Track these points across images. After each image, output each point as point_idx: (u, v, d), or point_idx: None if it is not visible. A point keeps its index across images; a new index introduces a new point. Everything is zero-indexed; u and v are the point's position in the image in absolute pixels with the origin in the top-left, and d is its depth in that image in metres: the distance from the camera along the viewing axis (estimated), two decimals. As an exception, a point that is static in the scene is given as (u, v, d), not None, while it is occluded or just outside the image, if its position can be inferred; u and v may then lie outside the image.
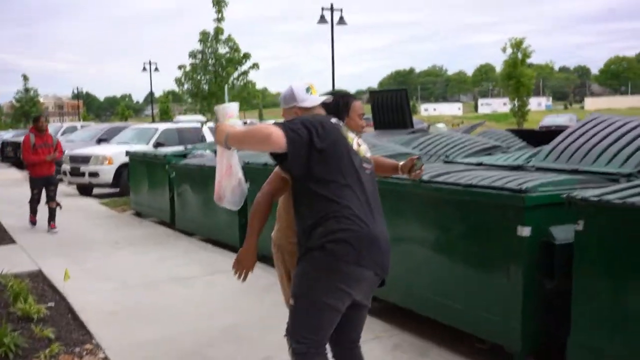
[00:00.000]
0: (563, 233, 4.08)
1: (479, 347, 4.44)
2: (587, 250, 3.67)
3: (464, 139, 7.57)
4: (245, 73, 15.16)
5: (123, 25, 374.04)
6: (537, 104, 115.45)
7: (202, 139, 16.15)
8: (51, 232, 9.41)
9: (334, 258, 2.67)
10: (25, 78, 59.16)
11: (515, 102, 22.76)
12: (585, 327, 3.70)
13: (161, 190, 9.99)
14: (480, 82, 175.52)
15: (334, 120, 2.88)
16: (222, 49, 14.58)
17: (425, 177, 4.86)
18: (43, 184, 9.67)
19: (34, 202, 9.84)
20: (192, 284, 6.38)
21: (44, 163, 9.53)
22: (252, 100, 15.13)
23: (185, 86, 14.68)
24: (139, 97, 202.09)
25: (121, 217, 11.07)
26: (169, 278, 6.58)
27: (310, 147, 2.66)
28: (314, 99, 3.02)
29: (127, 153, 11.40)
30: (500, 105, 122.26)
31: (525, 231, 4.02)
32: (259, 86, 15.26)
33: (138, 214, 11.25)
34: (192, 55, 14.65)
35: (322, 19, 28.35)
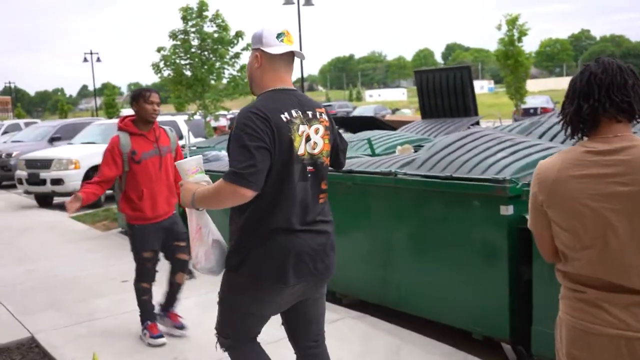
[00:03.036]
0: None
1: None
2: None
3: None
4: (237, 55, 12.78)
5: (45, 17, 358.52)
6: (479, 87, 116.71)
7: (180, 136, 13.88)
8: (179, 332, 4.82)
9: None
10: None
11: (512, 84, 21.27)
12: None
13: (166, 204, 7.79)
14: (420, 67, 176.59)
15: (285, 115, 2.57)
16: (209, 28, 12.31)
17: None
18: (162, 238, 4.70)
19: (146, 290, 4.73)
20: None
21: (161, 191, 4.65)
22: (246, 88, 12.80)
23: (166, 72, 12.33)
24: (71, 90, 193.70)
25: (108, 239, 8.76)
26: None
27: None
28: (281, 47, 2.67)
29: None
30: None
31: None
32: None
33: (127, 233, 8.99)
34: (173, 35, 12.31)
35: (288, 0, 26.37)
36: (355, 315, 5.00)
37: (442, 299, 4.56)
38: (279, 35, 2.66)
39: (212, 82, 12.55)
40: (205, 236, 2.79)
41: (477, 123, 8.20)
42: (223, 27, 12.30)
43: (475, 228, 4.29)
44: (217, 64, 12.34)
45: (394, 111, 40.00)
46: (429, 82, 8.53)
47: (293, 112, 2.60)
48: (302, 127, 2.61)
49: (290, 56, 2.73)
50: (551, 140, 5.60)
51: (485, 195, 4.16)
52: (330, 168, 2.91)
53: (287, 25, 2.71)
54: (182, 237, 4.70)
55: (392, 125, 8.81)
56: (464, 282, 4.39)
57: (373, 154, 6.46)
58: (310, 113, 2.67)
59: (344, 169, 5.46)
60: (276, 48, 2.65)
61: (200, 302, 5.43)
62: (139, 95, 4.53)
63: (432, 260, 4.61)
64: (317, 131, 2.68)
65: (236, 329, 2.82)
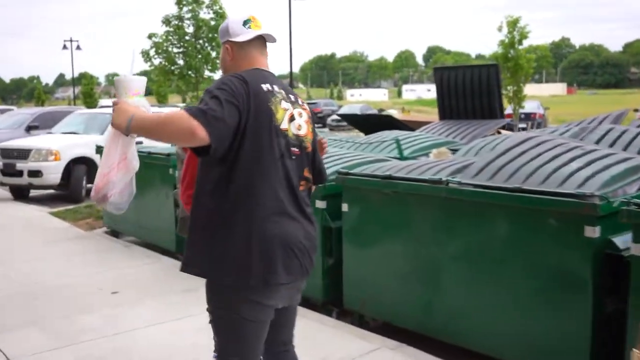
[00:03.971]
0: None
1: None
2: None
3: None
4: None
5: (24, 5, 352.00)
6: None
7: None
8: None
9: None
10: None
11: (511, 88, 20.68)
12: None
13: (162, 204, 7.02)
14: (401, 68, 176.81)
15: (266, 86, 2.40)
16: (205, 15, 11.43)
17: None
18: None
19: None
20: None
21: None
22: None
23: (157, 60, 11.41)
24: (47, 79, 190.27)
25: (93, 240, 7.91)
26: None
27: (237, 130, 2.27)
28: (250, 32, 2.50)
29: (100, 149, 8.25)
30: (424, 91, 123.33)
31: None
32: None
33: (114, 233, 8.19)
34: (166, 22, 11.37)
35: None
36: (393, 345, 4.28)
37: (502, 332, 3.87)
38: (245, 22, 2.52)
39: (207, 72, 11.72)
40: (130, 168, 2.50)
41: (505, 127, 7.58)
42: (220, 15, 11.45)
43: (549, 250, 3.61)
44: (214, 54, 11.51)
45: (379, 111, 39.36)
46: (450, 81, 7.85)
47: (275, 87, 2.45)
48: (285, 104, 2.45)
49: (261, 41, 2.56)
50: (610, 147, 4.97)
51: (566, 213, 3.48)
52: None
53: (252, 12, 2.57)
54: None
55: (409, 126, 8.14)
56: (531, 313, 3.71)
57: (401, 157, 5.77)
58: (292, 96, 2.52)
59: (381, 173, 4.81)
60: (245, 35, 2.50)
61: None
62: None
63: (490, 285, 3.92)
64: (300, 115, 2.52)
65: (239, 349, 2.45)
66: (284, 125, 2.41)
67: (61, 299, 5.45)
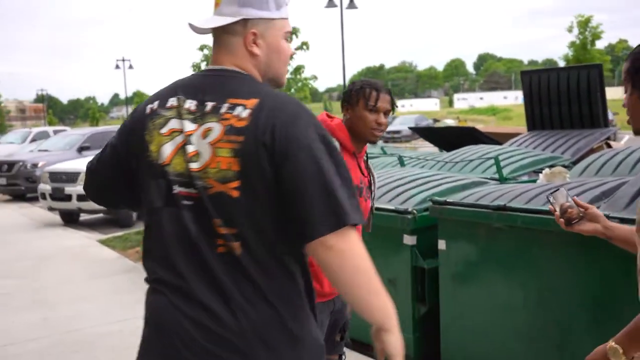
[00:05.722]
0: None
1: None
2: None
3: None
4: (290, 55, 11.04)
5: (80, 27, 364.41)
6: (514, 97, 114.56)
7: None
8: None
9: None
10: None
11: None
12: None
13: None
14: (452, 77, 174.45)
15: (152, 106, 1.70)
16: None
17: None
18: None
19: None
20: None
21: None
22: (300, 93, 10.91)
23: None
24: (103, 99, 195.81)
25: (143, 273, 7.19)
26: None
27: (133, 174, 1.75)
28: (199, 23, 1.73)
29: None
30: (476, 99, 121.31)
31: None
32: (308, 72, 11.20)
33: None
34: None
35: (331, 2, 24.93)
36: None
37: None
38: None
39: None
40: None
41: (612, 137, 6.55)
42: (274, 23, 10.74)
43: None
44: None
45: (434, 121, 38.30)
46: (542, 86, 6.85)
47: (171, 100, 1.68)
48: (174, 122, 1.64)
49: (217, 30, 1.70)
50: None
51: None
52: None
53: None
54: (346, 328, 2.77)
55: (495, 139, 7.18)
56: None
57: (501, 179, 4.82)
58: (211, 104, 1.60)
59: (491, 202, 3.89)
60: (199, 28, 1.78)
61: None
62: (359, 92, 2.57)
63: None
64: (206, 133, 1.58)
65: None
66: (164, 157, 1.64)
67: (106, 351, 4.70)
